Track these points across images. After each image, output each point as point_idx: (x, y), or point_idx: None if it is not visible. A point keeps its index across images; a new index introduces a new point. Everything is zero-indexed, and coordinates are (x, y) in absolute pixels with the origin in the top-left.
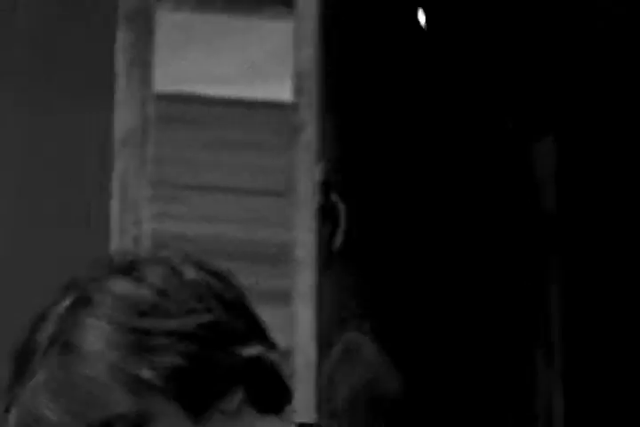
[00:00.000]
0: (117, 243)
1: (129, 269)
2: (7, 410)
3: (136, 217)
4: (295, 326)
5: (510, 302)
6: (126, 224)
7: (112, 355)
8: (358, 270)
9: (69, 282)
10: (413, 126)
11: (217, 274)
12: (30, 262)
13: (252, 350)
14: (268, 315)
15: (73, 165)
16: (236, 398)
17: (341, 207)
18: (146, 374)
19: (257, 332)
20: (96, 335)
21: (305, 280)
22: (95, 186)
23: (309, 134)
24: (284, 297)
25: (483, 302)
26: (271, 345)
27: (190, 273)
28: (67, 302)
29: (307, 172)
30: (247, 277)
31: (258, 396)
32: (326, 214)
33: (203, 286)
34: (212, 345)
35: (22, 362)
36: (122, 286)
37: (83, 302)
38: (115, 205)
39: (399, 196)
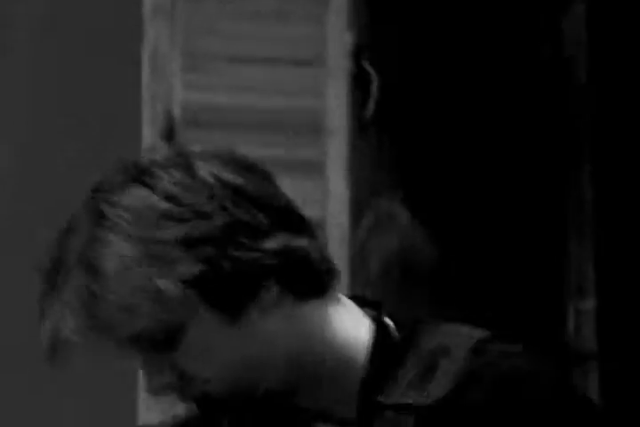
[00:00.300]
0: (149, 113)
1: (141, 174)
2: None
3: (167, 87)
4: (328, 196)
5: (541, 177)
6: (157, 94)
7: (131, 273)
8: (391, 139)
9: (90, 192)
10: None
11: (238, 167)
12: (61, 130)
13: (274, 242)
14: (300, 186)
15: (104, 36)
16: (271, 292)
17: (373, 75)
18: (167, 286)
19: (281, 222)
20: (114, 254)
21: (337, 150)
22: (126, 56)
23: (339, 2)
24: (316, 167)
25: (514, 177)
26: (299, 231)
27: (206, 172)
28: (86, 217)
29: (337, 40)
30: (278, 148)
31: (293, 285)
32: (358, 83)
33: (218, 185)
34: (232, 245)
35: (50, 276)
36: (133, 196)
37: (98, 218)
38: (145, 75)
39: (433, 63)
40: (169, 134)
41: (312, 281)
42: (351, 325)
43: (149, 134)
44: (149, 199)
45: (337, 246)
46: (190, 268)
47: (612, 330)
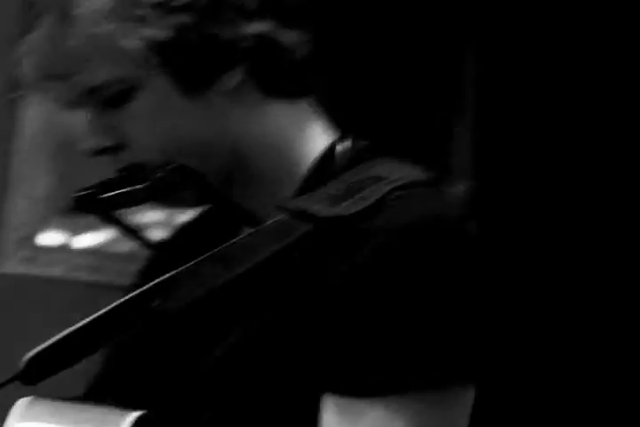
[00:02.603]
0: None
1: None
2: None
3: None
4: None
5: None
6: None
7: (97, 25)
8: None
9: None
10: None
11: None
12: None
13: (257, 27)
14: None
15: None
16: (235, 77)
17: None
18: (129, 44)
19: (271, 9)
20: (87, 5)
21: None
22: None
23: None
24: None
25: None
26: (286, 24)
27: None
28: None
29: None
30: None
31: (262, 78)
32: None
33: None
34: (210, 19)
35: (21, 17)
36: None
37: None
38: None
39: None
40: None
41: (282, 79)
42: (304, 136)
43: None
44: None
45: None
46: (158, 32)
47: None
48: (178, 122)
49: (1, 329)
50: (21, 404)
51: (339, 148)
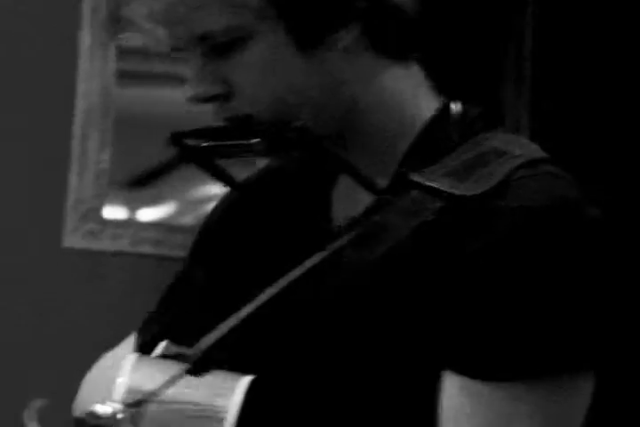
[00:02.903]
0: None
1: None
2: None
3: None
4: None
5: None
6: None
7: None
8: None
9: None
10: None
11: None
12: None
13: None
14: None
15: None
16: (351, 34)
17: None
18: None
19: None
20: None
21: None
22: None
23: None
24: None
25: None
26: None
27: None
28: None
29: None
30: None
31: (376, 37)
32: None
33: None
34: None
35: None
36: None
37: None
38: None
39: None
40: None
41: (398, 41)
42: (417, 99)
43: None
44: None
45: None
46: None
47: None
48: (290, 76)
49: (67, 304)
50: (130, 361)
51: (452, 111)
